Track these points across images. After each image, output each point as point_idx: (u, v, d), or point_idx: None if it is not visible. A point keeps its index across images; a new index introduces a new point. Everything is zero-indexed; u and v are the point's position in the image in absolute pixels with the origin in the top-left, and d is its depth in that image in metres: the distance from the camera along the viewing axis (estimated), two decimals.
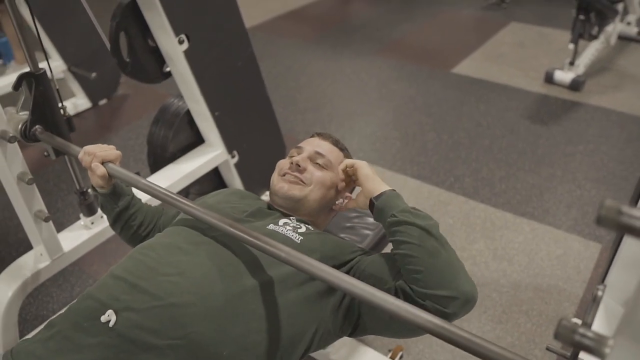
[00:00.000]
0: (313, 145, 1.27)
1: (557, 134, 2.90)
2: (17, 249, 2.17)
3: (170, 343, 0.88)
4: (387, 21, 4.67)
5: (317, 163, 1.23)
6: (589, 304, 0.60)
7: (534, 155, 2.72)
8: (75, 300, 1.00)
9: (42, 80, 1.45)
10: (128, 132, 3.04)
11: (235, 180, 2.17)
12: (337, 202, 1.27)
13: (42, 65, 1.48)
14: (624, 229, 0.46)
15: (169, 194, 1.10)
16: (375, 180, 1.13)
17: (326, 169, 1.23)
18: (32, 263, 1.63)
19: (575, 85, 3.32)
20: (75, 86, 3.25)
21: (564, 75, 3.37)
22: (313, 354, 1.67)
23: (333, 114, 3.20)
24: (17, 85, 1.42)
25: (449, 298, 0.92)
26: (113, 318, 0.90)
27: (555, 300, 1.88)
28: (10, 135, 1.38)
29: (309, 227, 1.18)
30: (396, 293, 0.98)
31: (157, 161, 2.11)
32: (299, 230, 1.12)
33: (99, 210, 1.75)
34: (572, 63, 3.37)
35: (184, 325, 0.90)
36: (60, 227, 1.75)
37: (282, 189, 1.20)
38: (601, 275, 1.50)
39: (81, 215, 1.75)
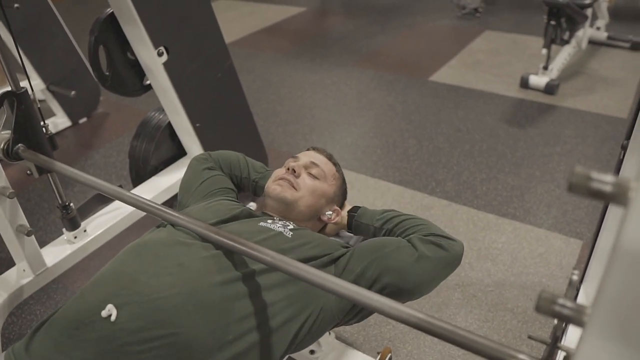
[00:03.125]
0: (309, 156, 1.35)
1: (534, 136, 2.96)
2: (2, 264, 2.14)
3: (173, 332, 0.89)
4: (364, 33, 4.74)
5: (310, 173, 1.30)
6: (567, 288, 0.62)
7: (513, 157, 2.77)
8: (72, 298, 1.00)
9: (23, 99, 1.45)
10: (109, 150, 3.03)
11: None
12: (326, 213, 1.31)
13: (23, 84, 1.48)
14: (594, 195, 0.48)
15: (153, 205, 1.10)
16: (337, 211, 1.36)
17: (318, 179, 1.30)
18: (15, 279, 1.61)
19: (550, 89, 3.39)
20: (54, 105, 3.23)
21: (538, 80, 3.45)
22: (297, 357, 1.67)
23: (314, 125, 3.22)
24: None
25: (448, 239, 1.16)
26: (114, 313, 0.90)
27: (578, 269, 1.90)
28: None
29: (296, 225, 1.22)
30: (407, 245, 1.13)
31: (140, 175, 2.10)
32: (288, 227, 1.17)
33: (82, 225, 1.74)
34: (545, 68, 3.44)
35: (186, 315, 0.91)
36: (43, 245, 1.73)
37: (274, 190, 1.26)
38: (582, 270, 1.53)
39: (64, 230, 1.74)
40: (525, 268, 2.03)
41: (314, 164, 1.31)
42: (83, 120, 3.36)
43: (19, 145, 1.43)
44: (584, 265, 1.52)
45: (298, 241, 1.13)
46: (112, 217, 1.81)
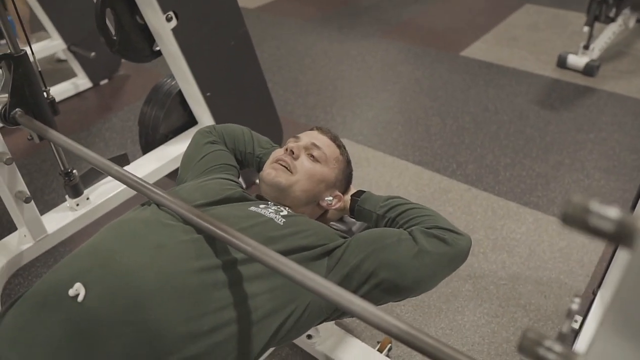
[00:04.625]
0: (311, 137, 1.27)
1: (567, 120, 2.79)
2: (9, 229, 2.14)
3: (143, 318, 0.84)
4: (396, 2, 4.55)
5: (311, 155, 1.22)
6: (564, 318, 0.53)
7: (542, 142, 2.62)
8: (48, 272, 0.96)
9: (22, 62, 1.39)
10: (127, 113, 3.00)
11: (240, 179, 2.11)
12: (325, 199, 1.24)
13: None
14: (592, 233, 0.39)
15: (139, 181, 1.05)
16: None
17: (319, 162, 1.22)
18: (15, 244, 1.60)
19: (589, 70, 3.19)
20: (76, 66, 3.21)
21: (577, 60, 3.25)
22: (299, 344, 1.63)
23: (335, 97, 3.12)
24: None
25: (453, 233, 1.07)
26: (82, 292, 0.85)
27: (556, 294, 1.81)
28: None
29: (290, 210, 1.14)
30: (408, 238, 1.06)
31: (149, 142, 2.06)
32: (281, 213, 1.09)
33: (85, 192, 1.71)
34: (586, 47, 3.24)
35: (159, 302, 0.86)
36: (48, 211, 1.71)
37: (269, 175, 1.19)
38: (601, 274, 1.42)
39: (67, 197, 1.71)
40: (543, 262, 1.93)
41: (315, 145, 1.23)
42: (104, 81, 3.33)
43: (17, 110, 1.39)
44: (600, 275, 1.41)
45: (290, 229, 1.06)
46: (116, 185, 1.77)
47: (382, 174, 2.43)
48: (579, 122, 2.78)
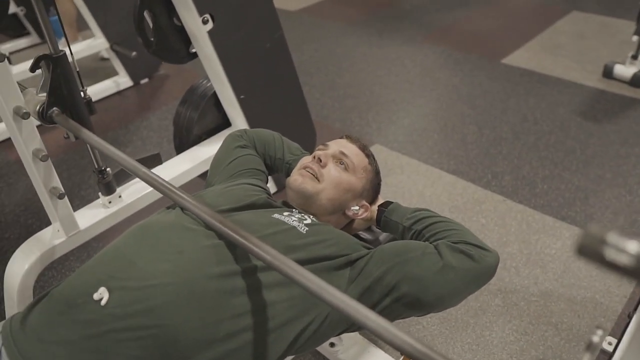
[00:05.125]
0: (339, 145, 1.26)
1: (611, 133, 2.69)
2: (47, 222, 2.20)
3: (162, 323, 0.85)
4: (439, 6, 4.49)
5: (339, 163, 1.21)
6: (584, 353, 0.50)
7: (582, 154, 2.53)
8: (74, 273, 0.98)
9: (60, 62, 1.43)
10: (165, 112, 3.05)
11: (269, 184, 2.12)
12: (352, 208, 1.22)
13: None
14: (607, 266, 0.37)
15: (165, 184, 1.06)
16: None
17: (346, 171, 1.21)
18: (49, 238, 1.64)
19: (637, 81, 3.06)
20: (117, 64, 3.29)
21: (624, 70, 3.12)
22: (322, 352, 1.61)
23: (372, 102, 3.09)
24: (33, 67, 1.41)
25: (487, 251, 1.05)
26: (105, 296, 0.87)
27: (590, 314, 1.74)
28: (24, 111, 1.37)
29: (314, 219, 1.13)
30: (433, 252, 1.04)
31: (182, 143, 2.09)
32: (305, 222, 1.08)
33: (117, 190, 1.75)
34: (635, 57, 3.11)
35: (176, 307, 0.86)
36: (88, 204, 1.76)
37: (295, 181, 1.19)
38: (638, 296, 1.36)
39: (100, 194, 1.74)
40: (578, 280, 1.86)
41: (343, 154, 1.22)
42: (144, 81, 3.40)
43: (54, 108, 1.42)
44: (638, 297, 1.34)
45: (313, 238, 1.05)
46: (147, 185, 1.79)
47: (415, 182, 2.39)
48: (624, 135, 2.67)
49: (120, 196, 1.75)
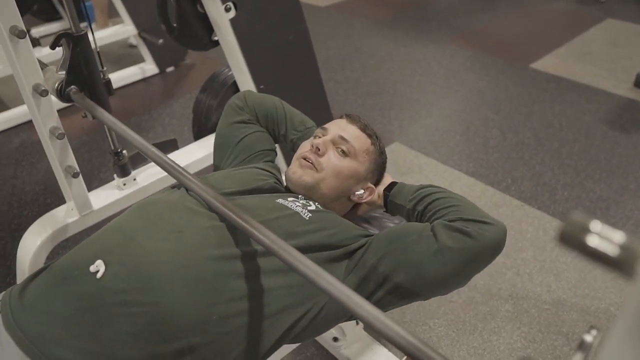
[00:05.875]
0: (339, 127, 1.20)
1: (638, 143, 2.62)
2: (64, 202, 2.25)
3: (155, 301, 0.85)
4: (469, 8, 4.43)
5: (338, 149, 1.16)
6: (574, 352, 0.48)
7: (607, 164, 2.47)
8: (75, 247, 0.99)
9: (81, 41, 1.44)
10: (188, 101, 3.07)
11: (278, 157, 2.11)
12: (356, 193, 1.19)
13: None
14: (589, 255, 0.35)
15: (173, 164, 1.06)
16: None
17: (348, 156, 1.16)
18: (62, 216, 1.66)
19: None
20: (144, 51, 3.33)
21: None
22: (325, 345, 1.61)
23: (394, 101, 3.07)
24: (54, 45, 1.42)
25: (489, 224, 0.97)
26: (102, 269, 0.87)
27: (603, 326, 1.69)
28: (43, 88, 1.39)
29: (319, 205, 1.12)
30: (430, 235, 0.99)
31: (201, 130, 2.10)
32: (309, 208, 1.07)
33: (132, 173, 1.76)
34: None
35: (172, 286, 0.86)
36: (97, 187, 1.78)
37: (294, 174, 1.15)
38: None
39: (115, 175, 1.76)
40: (593, 291, 1.81)
41: (342, 139, 1.16)
42: (170, 69, 3.44)
43: (72, 87, 1.44)
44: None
45: (315, 225, 1.03)
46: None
47: (433, 183, 2.35)
48: None
49: (135, 179, 1.77)
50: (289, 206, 1.05)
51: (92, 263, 0.88)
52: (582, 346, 0.51)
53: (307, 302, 0.97)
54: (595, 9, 4.31)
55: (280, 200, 1.07)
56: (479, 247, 0.95)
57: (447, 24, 4.14)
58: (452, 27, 4.07)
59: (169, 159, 1.07)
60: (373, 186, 1.22)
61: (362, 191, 1.20)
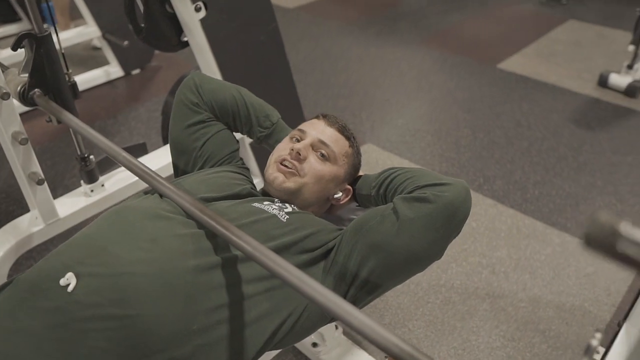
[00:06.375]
0: (318, 130, 1.15)
1: (603, 141, 2.67)
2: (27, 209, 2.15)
3: (131, 313, 0.79)
4: (437, 10, 4.47)
5: (319, 152, 1.12)
6: (583, 352, 0.47)
7: (574, 161, 2.51)
8: (42, 259, 0.92)
9: (44, 42, 1.37)
10: (155, 104, 3.00)
11: (250, 160, 2.07)
12: (335, 196, 1.17)
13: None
14: (618, 259, 0.33)
15: (145, 169, 1.01)
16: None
17: (328, 161, 1.13)
18: (26, 226, 1.59)
19: (632, 91, 3.06)
20: (109, 54, 3.23)
21: (619, 79, 3.12)
22: (303, 351, 1.57)
23: (366, 102, 3.06)
24: (16, 45, 1.35)
25: (446, 185, 0.94)
26: (73, 282, 0.81)
27: (578, 322, 1.71)
28: (4, 91, 1.32)
29: (295, 207, 1.08)
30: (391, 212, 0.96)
31: None
32: (285, 210, 1.04)
33: (100, 179, 1.70)
34: (630, 66, 3.10)
35: (148, 298, 0.81)
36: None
37: (276, 179, 1.10)
38: (628, 305, 1.33)
39: (82, 182, 1.70)
40: (567, 288, 1.83)
41: (322, 143, 1.13)
42: (135, 71, 3.35)
43: (35, 90, 1.37)
44: (627, 306, 1.31)
45: (292, 226, 1.00)
46: (132, 174, 1.74)
47: None
48: (616, 143, 2.65)
49: (103, 185, 1.70)
50: (265, 209, 1.02)
51: (62, 276, 0.82)
52: (589, 350, 0.49)
53: (288, 306, 0.94)
54: (558, 10, 4.41)
55: (256, 204, 1.03)
56: (441, 209, 0.92)
57: (416, 25, 4.16)
58: (421, 29, 4.09)
59: (141, 164, 1.03)
60: (350, 187, 1.19)
61: (340, 193, 1.17)
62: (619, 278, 1.87)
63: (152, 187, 0.99)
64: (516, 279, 1.86)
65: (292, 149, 1.10)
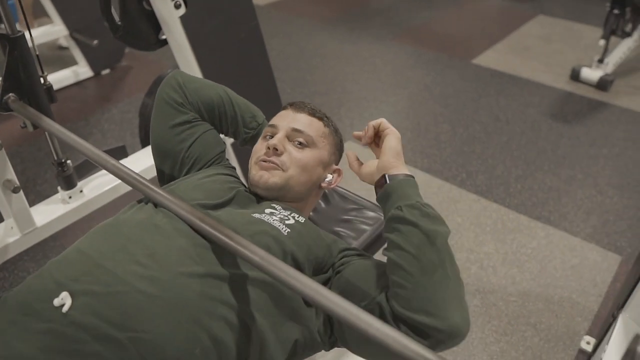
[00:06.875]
0: (288, 120, 1.09)
1: (580, 134, 2.72)
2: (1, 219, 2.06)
3: (132, 336, 0.74)
4: (410, 6, 4.48)
5: (296, 141, 1.07)
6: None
7: (554, 155, 2.54)
8: (31, 276, 0.85)
9: (18, 44, 1.30)
10: (128, 105, 2.91)
11: (232, 161, 2.02)
12: (325, 180, 1.12)
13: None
14: None
15: (137, 178, 0.96)
16: (398, 157, 0.95)
17: (307, 147, 1.07)
18: (1, 236, 1.51)
19: (603, 84, 3.12)
20: (77, 53, 3.12)
21: (591, 73, 3.17)
22: None
23: (343, 99, 3.04)
24: None
25: (430, 328, 0.77)
26: (68, 302, 0.75)
27: (567, 314, 1.72)
28: None
29: (297, 217, 1.03)
30: (375, 310, 0.84)
31: (148, 135, 1.97)
32: (287, 222, 0.99)
33: (79, 184, 1.63)
34: (601, 60, 3.17)
35: (150, 318, 0.76)
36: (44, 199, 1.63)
37: (261, 178, 1.05)
38: (615, 294, 1.34)
39: (59, 188, 1.62)
40: (554, 280, 1.85)
41: (297, 130, 1.07)
42: (105, 71, 3.25)
43: (10, 94, 1.30)
44: (617, 296, 1.32)
45: (294, 240, 0.95)
46: (112, 179, 1.68)
47: None
48: (592, 136, 2.70)
49: (81, 191, 1.63)
50: (266, 220, 0.97)
51: (56, 295, 0.76)
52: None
53: (292, 336, 0.90)
54: (528, 6, 4.47)
55: (256, 215, 0.98)
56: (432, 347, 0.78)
57: (390, 22, 4.16)
58: (394, 25, 4.09)
59: (134, 172, 0.97)
60: (339, 169, 1.15)
61: (330, 176, 1.13)
62: (603, 268, 1.89)
63: (147, 197, 0.93)
64: (504, 273, 1.87)
65: (268, 147, 1.05)
